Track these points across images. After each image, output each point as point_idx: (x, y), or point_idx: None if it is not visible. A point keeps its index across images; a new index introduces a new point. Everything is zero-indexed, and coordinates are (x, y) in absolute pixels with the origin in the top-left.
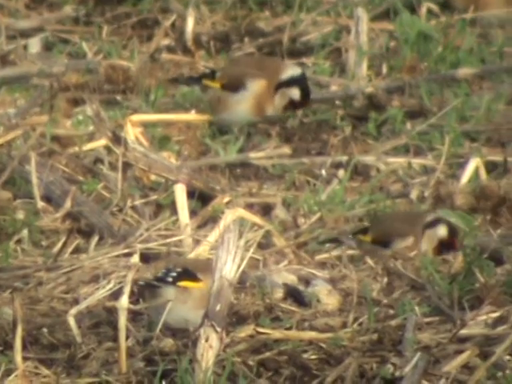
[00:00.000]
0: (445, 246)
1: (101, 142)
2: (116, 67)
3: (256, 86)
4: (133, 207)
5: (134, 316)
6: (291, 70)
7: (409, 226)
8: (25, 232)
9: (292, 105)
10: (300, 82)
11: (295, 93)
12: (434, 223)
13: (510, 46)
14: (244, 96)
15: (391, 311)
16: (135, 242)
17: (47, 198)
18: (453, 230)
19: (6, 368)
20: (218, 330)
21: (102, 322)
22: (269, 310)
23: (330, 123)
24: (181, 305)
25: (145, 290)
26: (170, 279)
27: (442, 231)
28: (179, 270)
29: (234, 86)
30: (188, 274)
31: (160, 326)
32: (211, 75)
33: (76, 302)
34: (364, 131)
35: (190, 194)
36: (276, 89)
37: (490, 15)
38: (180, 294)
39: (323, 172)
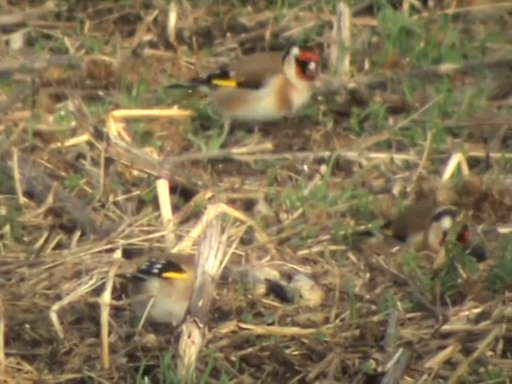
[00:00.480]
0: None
1: (83, 138)
2: (98, 62)
3: (277, 81)
4: (115, 203)
5: (116, 312)
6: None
7: (422, 220)
8: (7, 228)
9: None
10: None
11: (311, 65)
12: (439, 215)
13: (493, 42)
14: (265, 92)
15: (373, 307)
16: (117, 237)
17: (29, 194)
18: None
19: None
20: (201, 325)
21: (84, 317)
22: (251, 306)
23: (313, 119)
24: (165, 297)
25: (129, 284)
26: (156, 271)
27: (446, 223)
28: (163, 262)
29: (254, 82)
30: (172, 265)
31: (144, 319)
32: (222, 75)
33: (58, 297)
34: (346, 127)
35: (173, 190)
36: None
37: (473, 10)
38: (165, 286)
39: (305, 167)
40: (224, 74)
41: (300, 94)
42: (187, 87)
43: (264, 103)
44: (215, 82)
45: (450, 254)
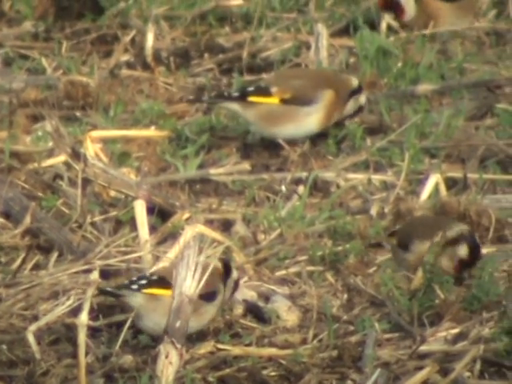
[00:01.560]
0: (465, 265)
1: (60, 158)
2: (75, 83)
3: (327, 97)
4: (92, 223)
5: (93, 332)
6: (356, 81)
7: (429, 229)
8: None
9: (360, 110)
10: (362, 90)
11: (363, 99)
12: (456, 241)
13: (470, 62)
14: (315, 108)
15: (351, 327)
16: (95, 258)
17: (6, 214)
18: (474, 249)
19: None
20: (178, 346)
21: (61, 338)
22: (229, 327)
23: (290, 139)
24: (151, 312)
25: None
26: (136, 286)
27: (463, 251)
28: (154, 277)
29: (303, 99)
30: (162, 282)
31: (123, 336)
32: (261, 91)
33: (35, 318)
34: (324, 147)
35: (150, 210)
36: (349, 96)
37: (446, 31)
38: (149, 301)
39: (283, 188)
40: (263, 91)
41: (340, 114)
42: (210, 102)
43: (313, 118)
44: (252, 99)
45: (427, 274)
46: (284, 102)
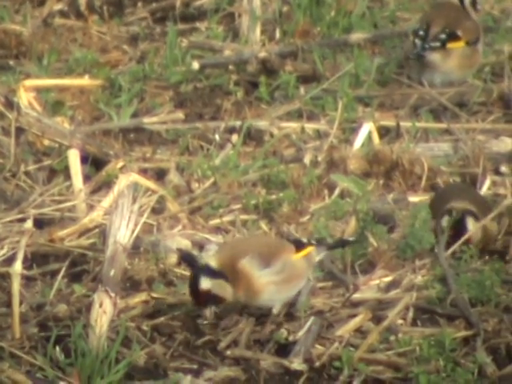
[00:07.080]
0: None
1: None
2: (8, 32)
3: None
4: (26, 172)
5: (27, 282)
6: None
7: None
8: None
9: None
10: None
11: None
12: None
13: (402, 11)
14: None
15: None
16: (29, 207)
17: None
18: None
19: None
20: (112, 295)
21: None
22: (163, 275)
23: (224, 88)
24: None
25: None
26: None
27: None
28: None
29: (477, 37)
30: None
31: None
32: (453, 37)
33: None
34: (257, 96)
35: (84, 159)
36: None
37: None
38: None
39: (217, 137)
40: (455, 36)
41: None
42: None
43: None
44: (449, 45)
45: (360, 222)
46: (468, 43)
